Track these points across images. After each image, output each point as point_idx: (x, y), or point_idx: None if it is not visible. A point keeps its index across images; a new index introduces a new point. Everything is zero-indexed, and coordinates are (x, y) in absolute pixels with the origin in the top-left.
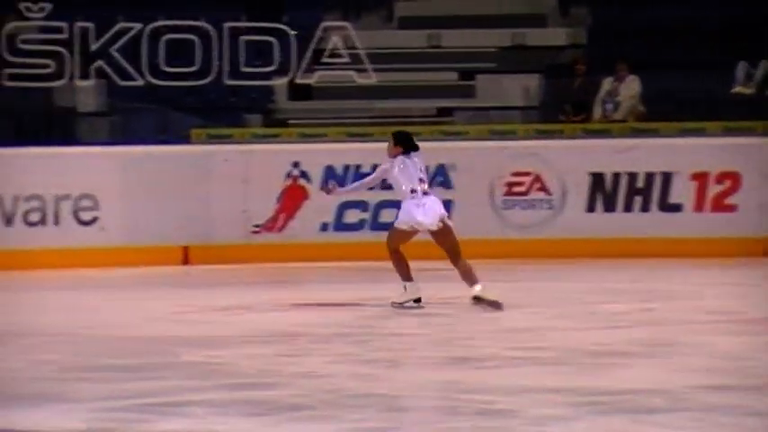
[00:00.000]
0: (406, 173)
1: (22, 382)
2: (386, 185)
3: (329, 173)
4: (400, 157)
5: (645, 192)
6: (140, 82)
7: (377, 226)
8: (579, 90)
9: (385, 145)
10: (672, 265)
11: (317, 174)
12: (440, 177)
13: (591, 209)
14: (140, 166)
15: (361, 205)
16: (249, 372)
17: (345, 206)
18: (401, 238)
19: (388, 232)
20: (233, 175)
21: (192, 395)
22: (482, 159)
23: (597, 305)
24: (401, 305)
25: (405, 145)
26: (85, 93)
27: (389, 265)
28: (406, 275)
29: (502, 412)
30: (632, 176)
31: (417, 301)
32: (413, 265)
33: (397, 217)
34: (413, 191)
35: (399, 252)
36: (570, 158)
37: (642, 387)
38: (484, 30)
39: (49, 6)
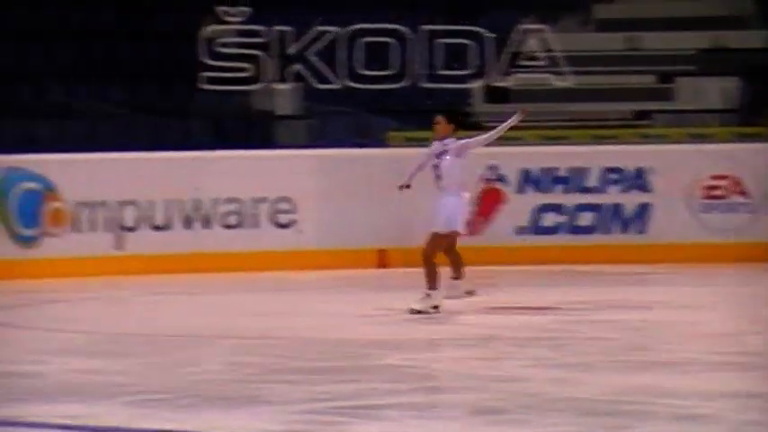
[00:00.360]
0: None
1: (221, 385)
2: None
3: (525, 176)
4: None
5: None
6: (337, 85)
7: (574, 229)
8: None
9: (575, 149)
10: None
11: (513, 177)
12: (638, 181)
13: None
14: (337, 169)
15: (558, 208)
16: (445, 375)
17: (542, 209)
18: (443, 244)
19: (432, 237)
20: (430, 177)
21: (388, 398)
22: (681, 163)
23: None
24: (420, 312)
25: (458, 124)
26: (283, 96)
27: (585, 268)
28: (435, 284)
29: (702, 417)
30: None
31: (435, 307)
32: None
33: (438, 217)
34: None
35: (435, 260)
36: None
37: None
38: (683, 32)
39: (247, 10)
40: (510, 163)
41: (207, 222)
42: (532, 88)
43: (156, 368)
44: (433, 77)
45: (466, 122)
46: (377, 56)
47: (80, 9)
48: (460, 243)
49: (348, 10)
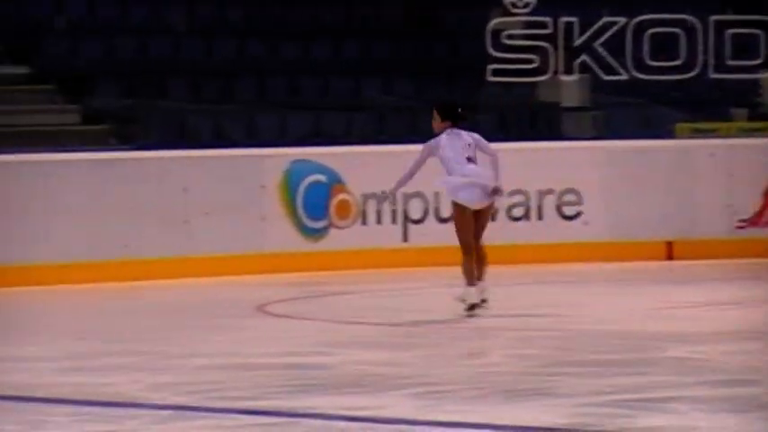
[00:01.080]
0: (454, 149)
1: (505, 377)
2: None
3: None
4: (445, 134)
5: None
6: (624, 76)
7: None
8: None
9: None
10: None
11: None
12: None
13: None
14: (624, 161)
15: None
16: (733, 368)
17: None
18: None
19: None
20: (718, 169)
21: (675, 391)
22: None
23: None
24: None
25: (452, 117)
26: (569, 88)
27: None
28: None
29: None
30: None
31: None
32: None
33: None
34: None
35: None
36: None
37: None
38: None
39: (533, 1)
40: None
41: (493, 214)
42: None
43: (440, 360)
44: (721, 68)
45: (462, 114)
46: (664, 46)
47: (366, 5)
48: (750, 234)
49: (635, 0)
